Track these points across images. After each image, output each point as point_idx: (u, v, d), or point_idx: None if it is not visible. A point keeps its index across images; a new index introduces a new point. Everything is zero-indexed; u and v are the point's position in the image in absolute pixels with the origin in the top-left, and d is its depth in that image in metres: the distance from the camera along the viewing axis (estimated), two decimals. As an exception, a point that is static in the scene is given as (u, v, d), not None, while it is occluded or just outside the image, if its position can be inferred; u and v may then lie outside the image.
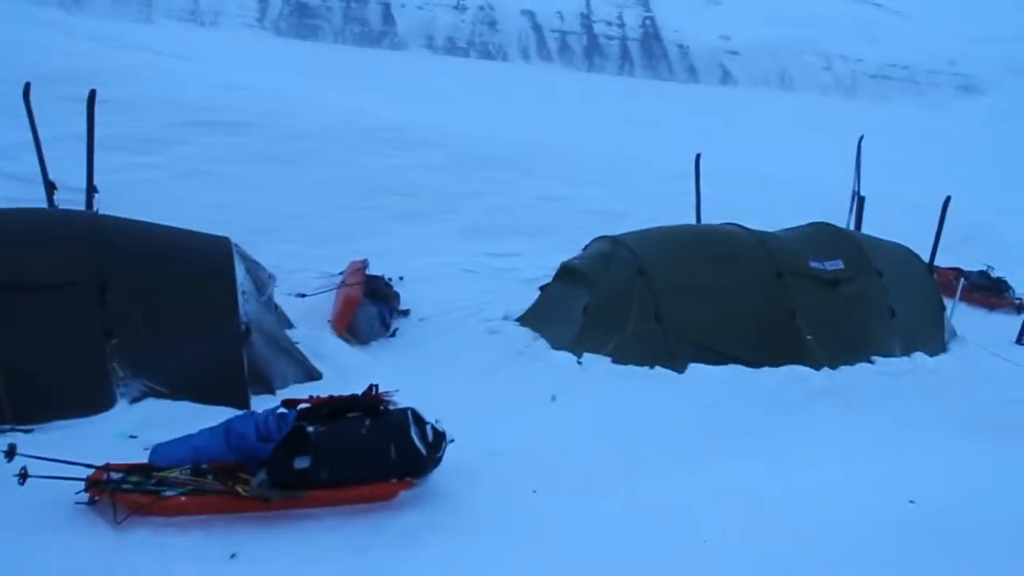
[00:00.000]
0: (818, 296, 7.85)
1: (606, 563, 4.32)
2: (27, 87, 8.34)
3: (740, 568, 4.32)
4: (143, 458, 4.81)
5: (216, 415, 5.34)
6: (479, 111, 20.09)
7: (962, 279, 11.03)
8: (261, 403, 5.75)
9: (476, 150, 13.80)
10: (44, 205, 8.28)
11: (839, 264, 8.16)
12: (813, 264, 8.04)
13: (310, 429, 4.60)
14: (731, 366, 7.24)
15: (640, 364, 7.14)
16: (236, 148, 11.77)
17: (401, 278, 9.07)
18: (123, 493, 4.40)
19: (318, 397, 5.00)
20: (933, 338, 8.61)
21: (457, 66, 54.35)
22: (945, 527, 4.74)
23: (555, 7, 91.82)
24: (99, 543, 4.21)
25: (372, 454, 4.59)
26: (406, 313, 8.43)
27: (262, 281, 6.90)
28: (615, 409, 6.41)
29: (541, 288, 8.52)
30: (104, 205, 8.29)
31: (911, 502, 5.06)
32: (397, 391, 5.04)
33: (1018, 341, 10.12)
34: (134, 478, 4.49)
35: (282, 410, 4.81)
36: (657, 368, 7.13)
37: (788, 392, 7.03)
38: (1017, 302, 12.08)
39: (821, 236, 8.49)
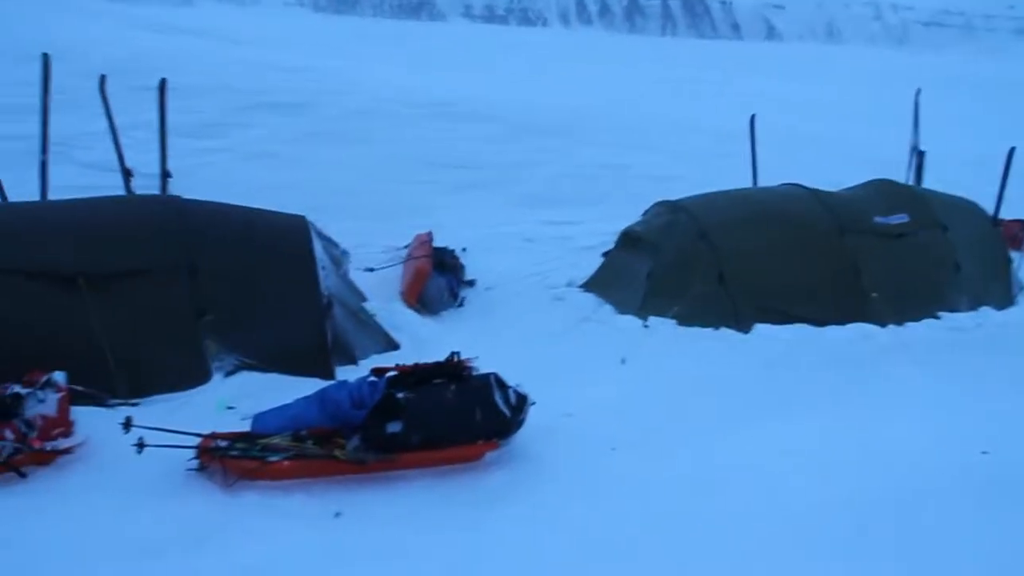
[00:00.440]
0: (882, 252, 7.87)
1: (682, 516, 4.48)
2: (102, 80, 8.69)
3: (813, 522, 4.45)
4: (241, 427, 5.15)
5: (304, 385, 5.65)
6: (526, 80, 20.15)
7: (1029, 231, 10.85)
8: (344, 373, 6.06)
9: (528, 120, 13.93)
10: (121, 191, 8.68)
11: (904, 217, 8.15)
12: (877, 219, 8.04)
13: (400, 395, 4.86)
14: (796, 325, 7.34)
15: (705, 326, 7.28)
16: (295, 129, 12.10)
17: (464, 249, 9.30)
18: (231, 459, 4.72)
19: (405, 365, 5.25)
20: (1000, 292, 8.56)
21: (498, 34, 54.06)
22: (1019, 477, 4.83)
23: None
24: (213, 506, 4.54)
25: (459, 417, 4.84)
26: (472, 283, 8.66)
27: (337, 257, 7.20)
28: (683, 370, 6.57)
29: (604, 255, 8.68)
30: (176, 189, 8.64)
31: (984, 453, 5.15)
32: (478, 357, 5.28)
33: (1087, 291, 9.97)
34: (240, 445, 4.81)
35: (372, 378, 5.07)
36: (722, 329, 7.26)
37: (854, 349, 7.11)
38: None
39: (883, 192, 8.48)
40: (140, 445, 4.65)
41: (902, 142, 11.69)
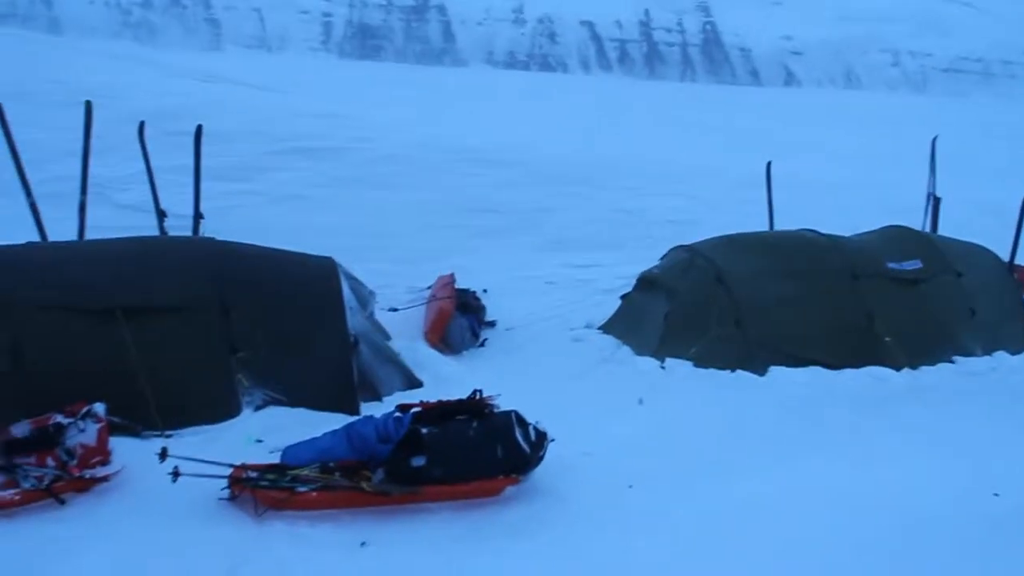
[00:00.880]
0: (896, 297, 8.00)
1: (699, 553, 4.61)
2: (141, 126, 9.08)
3: (829, 561, 4.56)
4: (270, 459, 5.35)
5: (330, 421, 5.87)
6: (549, 127, 20.57)
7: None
8: (369, 409, 6.26)
9: (551, 167, 14.28)
10: (155, 231, 9.01)
11: (917, 264, 8.29)
12: (890, 265, 8.20)
13: (424, 431, 5.05)
14: (811, 368, 7.47)
15: (722, 368, 7.43)
16: (324, 173, 12.50)
17: (485, 291, 9.52)
18: (261, 489, 4.91)
19: (429, 402, 5.45)
20: (1015, 337, 8.64)
21: (519, 80, 55.03)
22: (1031, 519, 4.91)
23: (614, 16, 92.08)
24: (243, 533, 4.71)
25: (481, 453, 5.01)
26: (493, 324, 8.88)
27: (363, 297, 7.45)
28: (700, 410, 6.71)
29: (622, 297, 8.87)
30: (208, 230, 8.96)
31: (996, 495, 5.24)
32: (499, 395, 5.47)
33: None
34: (270, 476, 5.01)
35: (398, 414, 5.26)
36: (738, 371, 7.41)
37: (869, 393, 7.22)
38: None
39: (897, 238, 8.64)
40: (175, 474, 4.85)
41: (920, 188, 11.86)
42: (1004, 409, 7.05)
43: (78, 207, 8.61)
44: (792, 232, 8.80)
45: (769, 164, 10.71)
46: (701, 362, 7.50)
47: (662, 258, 8.89)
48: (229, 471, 5.01)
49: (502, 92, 37.25)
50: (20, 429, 5.17)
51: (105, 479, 5.14)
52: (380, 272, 9.85)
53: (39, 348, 5.83)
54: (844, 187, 16.58)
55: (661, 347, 7.77)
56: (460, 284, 9.33)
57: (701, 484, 5.36)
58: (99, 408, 5.32)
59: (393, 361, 7.07)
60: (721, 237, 8.60)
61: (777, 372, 7.38)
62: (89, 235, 8.42)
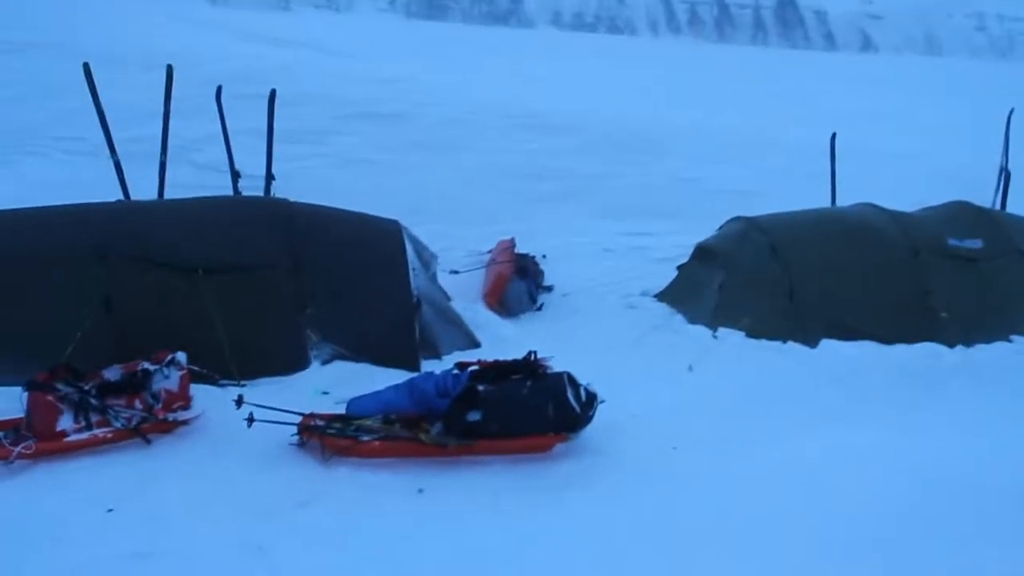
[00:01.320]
0: (955, 275, 7.97)
1: (738, 511, 4.80)
2: (219, 90, 9.47)
3: (857, 522, 4.70)
4: (336, 410, 5.73)
5: (392, 376, 6.20)
6: (612, 91, 20.50)
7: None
8: (429, 366, 6.56)
9: (612, 133, 14.34)
10: (229, 190, 9.45)
11: (978, 243, 8.22)
12: (951, 242, 8.14)
13: (480, 388, 5.34)
14: (863, 342, 7.53)
15: (773, 339, 7.55)
16: (389, 137, 12.82)
17: (544, 256, 9.74)
18: (328, 437, 5.28)
19: (486, 361, 5.74)
20: (1078, 318, 8.51)
21: (586, 43, 54.38)
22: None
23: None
24: (311, 476, 5.09)
25: (533, 411, 5.28)
26: (550, 288, 9.11)
27: (426, 259, 7.77)
28: (749, 379, 6.86)
29: (678, 267, 9.00)
30: (279, 191, 9.34)
31: (1034, 469, 5.31)
32: (553, 357, 5.73)
33: None
34: (336, 425, 5.39)
35: (456, 371, 5.57)
36: (790, 343, 7.51)
37: (920, 367, 7.28)
38: None
39: (960, 215, 8.55)
40: (250, 420, 5.25)
41: (995, 161, 11.56)
42: (1058, 389, 7.02)
43: (159, 166, 9.06)
44: (852, 207, 8.78)
45: (834, 136, 10.56)
46: (753, 332, 7.62)
47: (719, 229, 8.98)
48: (299, 419, 5.39)
49: (567, 55, 36.97)
50: (112, 373, 5.64)
51: (186, 422, 5.57)
52: (441, 235, 10.15)
53: (128, 300, 6.28)
54: (913, 159, 16.22)
55: (714, 316, 7.90)
56: (520, 249, 9.56)
57: (743, 447, 5.56)
58: (181, 357, 5.75)
59: (453, 321, 7.38)
60: (779, 212, 8.64)
61: (828, 344, 7.47)
62: (168, 193, 8.89)
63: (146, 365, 5.66)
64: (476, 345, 7.29)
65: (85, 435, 5.31)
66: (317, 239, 6.90)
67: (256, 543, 4.36)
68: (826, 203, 10.01)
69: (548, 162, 13.10)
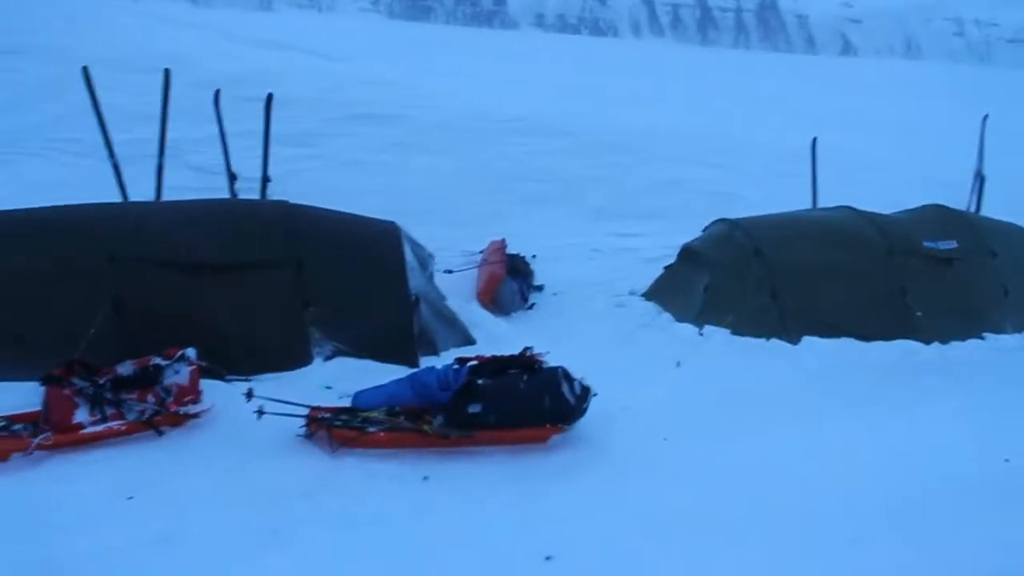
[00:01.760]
0: (930, 275, 8.31)
1: (723, 498, 5.08)
2: (217, 94, 9.65)
3: (838, 511, 4.98)
4: (339, 403, 5.97)
5: (392, 371, 6.45)
6: (597, 94, 20.82)
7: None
8: (427, 362, 6.78)
9: (598, 137, 14.66)
10: (224, 192, 9.63)
11: (953, 244, 8.57)
12: (926, 244, 8.49)
13: (480, 382, 5.61)
14: (843, 339, 7.84)
15: (757, 336, 7.84)
16: (382, 139, 13.06)
17: (534, 256, 10.00)
18: (335, 428, 5.53)
19: (484, 356, 6.01)
20: (1048, 316, 8.89)
21: (570, 44, 54.77)
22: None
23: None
24: (319, 466, 5.34)
25: (530, 403, 5.56)
26: (541, 288, 9.38)
27: (423, 259, 8.02)
28: (733, 375, 7.15)
29: (665, 268, 9.30)
30: (274, 193, 9.55)
31: (1006, 460, 5.63)
32: (548, 353, 6.01)
33: None
34: (343, 417, 5.64)
35: (456, 366, 5.84)
36: (773, 340, 7.81)
37: (897, 364, 7.58)
38: None
39: (934, 217, 8.91)
40: (260, 412, 5.49)
41: (971, 165, 11.87)
42: (1028, 383, 7.37)
43: (156, 168, 9.24)
44: (831, 209, 9.12)
45: (815, 140, 10.86)
46: (738, 330, 7.91)
47: (704, 230, 9.28)
48: (306, 412, 5.64)
49: (551, 57, 37.30)
50: (125, 368, 5.84)
51: (196, 415, 5.79)
52: (433, 236, 10.34)
53: (138, 298, 6.49)
54: (892, 163, 16.63)
55: (700, 315, 8.20)
56: (511, 249, 9.83)
57: (729, 439, 5.86)
58: (191, 352, 5.95)
59: (449, 319, 7.64)
60: (763, 215, 8.97)
61: (810, 341, 7.78)
62: (165, 195, 9.07)
63: (157, 360, 5.87)
64: (471, 342, 7.55)
65: (100, 427, 5.52)
66: (318, 239, 7.13)
67: (271, 527, 4.61)
68: (807, 205, 10.34)
69: (536, 164, 13.40)
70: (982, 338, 8.29)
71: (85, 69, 8.67)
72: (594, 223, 11.93)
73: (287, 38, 22.14)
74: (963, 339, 8.19)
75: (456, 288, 8.83)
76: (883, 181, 14.26)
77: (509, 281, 8.81)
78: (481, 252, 9.94)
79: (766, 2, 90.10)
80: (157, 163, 9.19)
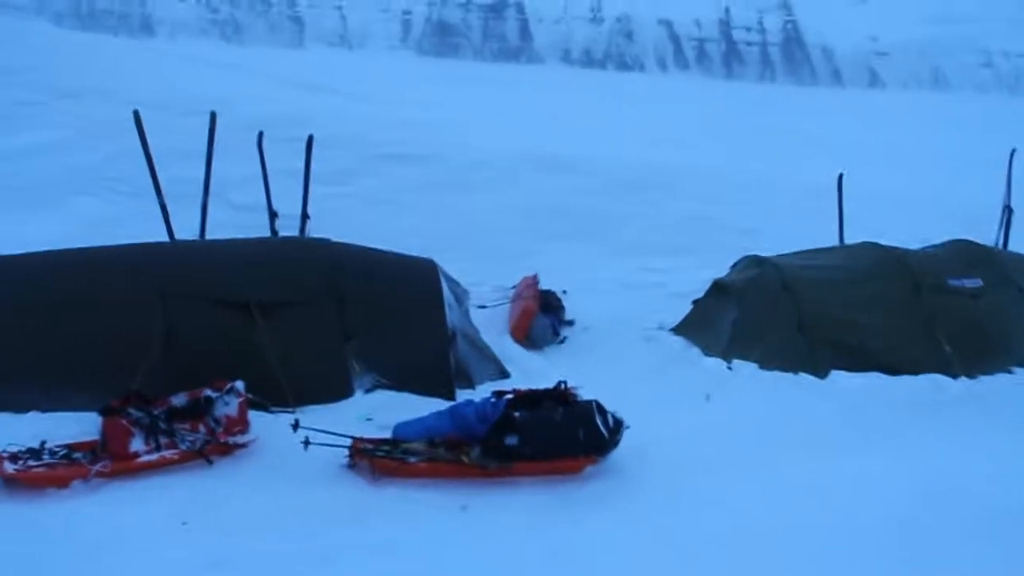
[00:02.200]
0: (957, 310, 8.41)
1: (754, 527, 5.24)
2: (260, 136, 10.07)
3: (869, 539, 5.11)
4: (379, 435, 6.20)
5: (430, 404, 6.68)
6: (625, 131, 21.20)
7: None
8: (463, 395, 7.04)
9: (627, 174, 14.97)
10: (265, 229, 9.99)
11: (978, 282, 8.68)
12: (952, 282, 8.60)
13: (516, 414, 5.83)
14: (871, 373, 7.96)
15: (785, 370, 7.98)
16: (414, 178, 13.47)
17: (565, 291, 10.22)
18: (377, 458, 5.77)
19: (520, 390, 6.23)
20: (1076, 350, 8.92)
21: (596, 80, 55.42)
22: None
23: (692, 15, 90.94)
24: (362, 494, 5.56)
25: (565, 435, 5.76)
26: (572, 323, 9.58)
27: (459, 295, 8.29)
28: (762, 408, 7.30)
29: (694, 302, 9.48)
30: (313, 230, 9.89)
31: (1034, 494, 5.72)
32: (582, 386, 6.22)
33: None
34: (385, 448, 5.87)
35: (494, 399, 6.06)
36: (801, 374, 7.94)
37: (925, 397, 7.66)
38: None
39: (960, 253, 9.02)
40: (306, 442, 5.74)
41: (999, 197, 11.88)
42: (1057, 418, 7.42)
43: (201, 207, 9.62)
44: (858, 246, 9.27)
45: (841, 176, 10.99)
46: (766, 364, 8.06)
47: (733, 266, 9.46)
48: (350, 442, 5.88)
49: (579, 92, 37.88)
50: (178, 399, 6.16)
51: (245, 445, 6.07)
52: (466, 271, 10.62)
53: (187, 332, 6.81)
54: (919, 197, 16.70)
55: (729, 349, 8.36)
56: (542, 285, 10.06)
57: (759, 471, 6.01)
58: (239, 385, 6.25)
59: (485, 353, 7.89)
60: (790, 253, 9.15)
61: (838, 375, 7.90)
62: (208, 232, 9.44)
63: (208, 392, 6.17)
64: (506, 375, 7.77)
65: (155, 456, 5.82)
66: (359, 276, 7.43)
67: (319, 553, 4.84)
68: (832, 240, 10.49)
69: (566, 201, 13.69)
70: (1010, 372, 8.37)
71: (136, 113, 9.10)
72: (623, 259, 12.16)
73: (321, 79, 22.80)
74: (991, 373, 8.27)
75: (489, 323, 9.07)
76: (910, 215, 14.36)
77: (541, 316, 9.03)
78: (513, 288, 10.18)
79: (791, 35, 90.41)
80: (202, 201, 9.55)
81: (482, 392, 6.90)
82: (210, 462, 5.90)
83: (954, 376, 8.02)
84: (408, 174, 13.82)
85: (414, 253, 8.23)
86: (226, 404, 6.15)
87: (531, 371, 7.87)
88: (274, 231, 9.89)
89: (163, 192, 9.07)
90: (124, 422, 5.83)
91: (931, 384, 7.93)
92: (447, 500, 5.49)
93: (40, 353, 6.67)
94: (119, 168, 12.78)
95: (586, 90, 39.63)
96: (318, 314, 7.17)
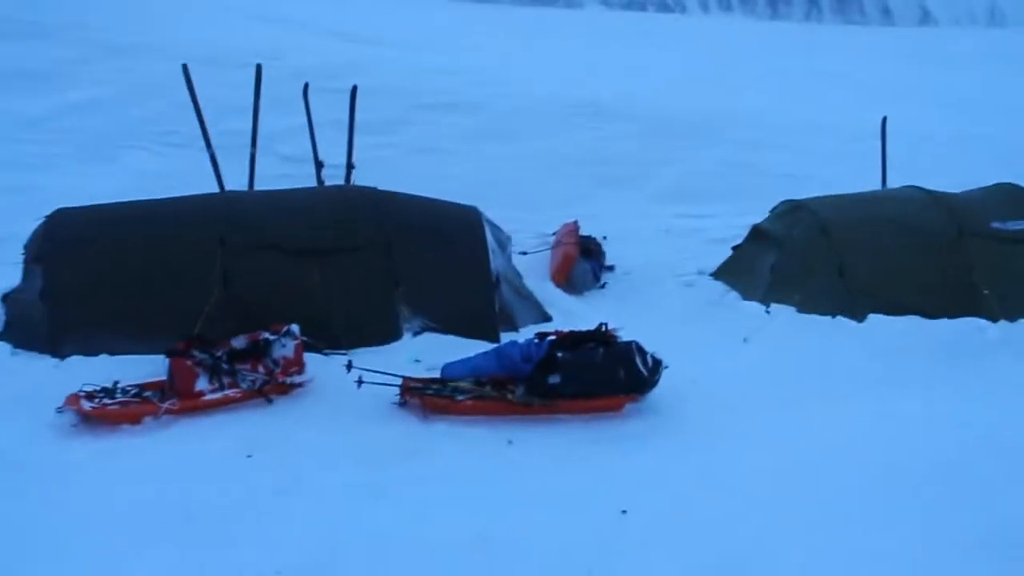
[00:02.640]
0: (998, 254, 8.36)
1: (787, 464, 5.43)
2: (306, 87, 10.29)
3: (903, 475, 5.28)
4: (428, 375, 6.51)
5: (475, 346, 6.96)
6: (666, 76, 21.00)
7: None
8: (507, 337, 7.26)
9: (667, 120, 14.94)
10: (311, 179, 10.27)
11: (1021, 223, 8.61)
12: (994, 224, 8.55)
13: (559, 355, 6.08)
14: (908, 317, 8.01)
15: (823, 314, 8.05)
16: (456, 126, 13.63)
17: (605, 237, 10.36)
18: (427, 397, 6.08)
19: (562, 331, 6.47)
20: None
21: (637, 23, 54.33)
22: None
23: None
24: (414, 430, 5.89)
25: (606, 375, 6.01)
26: (612, 268, 9.75)
27: (502, 241, 8.51)
28: (800, 350, 7.41)
29: (733, 248, 9.57)
30: (358, 179, 10.14)
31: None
32: (622, 328, 6.43)
33: None
34: (434, 386, 6.19)
35: (537, 340, 6.32)
36: (839, 317, 8.02)
37: (963, 341, 7.67)
38: None
39: (1004, 196, 8.93)
40: (360, 381, 6.08)
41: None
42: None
43: (249, 158, 9.90)
44: (899, 190, 9.24)
45: (884, 120, 10.87)
46: (804, 308, 8.15)
47: (772, 211, 9.50)
48: (400, 382, 6.20)
49: (620, 37, 37.26)
50: (238, 342, 6.53)
51: (301, 385, 6.42)
52: (508, 219, 10.78)
53: (244, 278, 7.16)
54: (967, 138, 16.40)
55: (767, 293, 8.46)
56: (583, 231, 10.23)
57: (794, 411, 6.20)
58: (295, 328, 6.59)
59: (527, 298, 8.13)
60: (828, 196, 9.16)
61: (875, 319, 7.95)
62: (256, 183, 9.73)
63: (266, 335, 6.53)
64: (548, 319, 8.00)
65: (218, 395, 6.20)
66: (406, 223, 7.68)
67: (375, 483, 5.17)
68: (876, 185, 10.44)
69: (607, 148, 13.76)
70: (1051, 316, 8.33)
71: (185, 67, 9.37)
72: (663, 205, 12.24)
73: (362, 28, 22.83)
74: (1031, 316, 8.25)
75: (531, 268, 9.27)
76: (956, 158, 14.17)
77: (582, 261, 9.21)
78: (554, 234, 10.35)
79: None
80: (250, 153, 9.85)
81: (525, 335, 7.14)
82: (270, 401, 6.26)
83: (993, 320, 8.03)
84: (451, 123, 14.00)
85: (457, 200, 8.45)
86: (283, 346, 6.49)
87: (572, 314, 8.08)
88: (320, 181, 10.18)
89: (212, 145, 9.41)
90: (189, 363, 6.21)
91: (969, 327, 7.93)
92: (494, 435, 5.79)
93: (108, 300, 7.06)
94: (168, 122, 13.17)
95: (626, 34, 38.91)
96: (368, 260, 7.44)
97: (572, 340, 6.27)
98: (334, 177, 10.27)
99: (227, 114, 11.63)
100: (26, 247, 7.58)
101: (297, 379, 6.46)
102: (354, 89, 10.07)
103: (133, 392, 6.22)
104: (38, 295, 7.11)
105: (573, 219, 10.51)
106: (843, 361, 7.24)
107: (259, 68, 9.83)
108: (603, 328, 6.40)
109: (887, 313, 8.02)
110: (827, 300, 8.14)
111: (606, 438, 5.79)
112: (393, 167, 11.83)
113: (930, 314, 8.01)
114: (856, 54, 38.04)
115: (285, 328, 6.57)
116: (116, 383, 6.24)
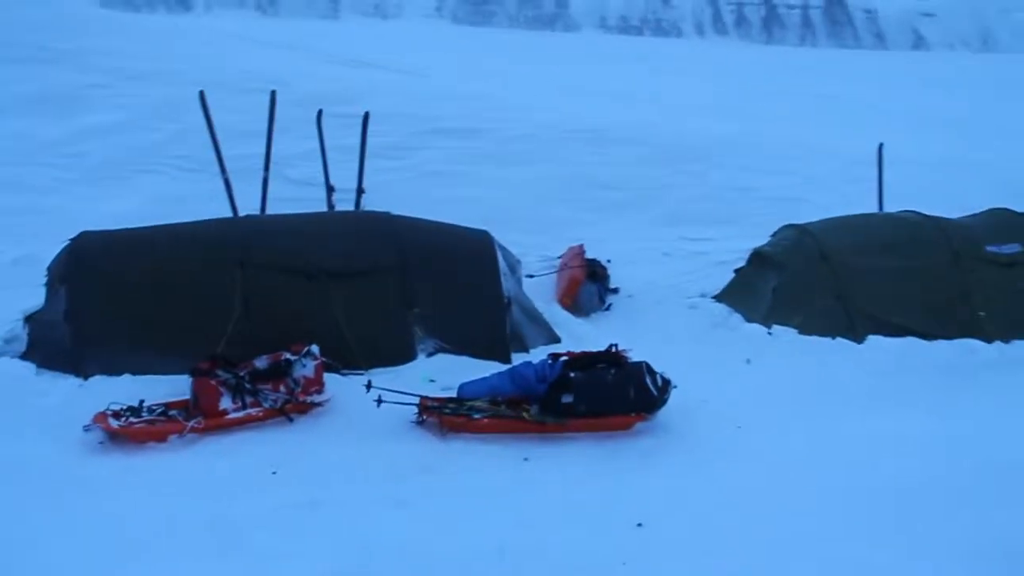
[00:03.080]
0: (993, 277, 8.62)
1: (792, 481, 5.66)
2: (319, 113, 10.56)
3: (900, 496, 5.43)
4: (443, 395, 6.71)
5: (487, 367, 7.19)
6: (664, 100, 21.37)
7: None
8: (518, 359, 7.48)
9: (669, 146, 15.26)
10: (322, 203, 10.51)
11: (1016, 247, 8.88)
12: (989, 248, 8.82)
13: (572, 375, 6.31)
14: (907, 338, 8.26)
15: (823, 335, 8.31)
16: (464, 151, 13.93)
17: (610, 260, 10.58)
18: (444, 415, 6.29)
19: (574, 352, 6.70)
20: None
21: (633, 47, 55.03)
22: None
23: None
24: (432, 447, 6.09)
25: (617, 394, 6.23)
26: (616, 290, 9.95)
27: (512, 264, 8.75)
28: (801, 371, 7.64)
29: (736, 271, 9.81)
30: (368, 203, 10.39)
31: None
32: (632, 349, 6.66)
33: None
34: (451, 405, 6.39)
35: (550, 361, 6.54)
36: (839, 339, 8.27)
37: (960, 362, 7.93)
38: None
39: (998, 221, 9.20)
40: (379, 400, 6.29)
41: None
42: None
43: (262, 182, 10.15)
44: (896, 214, 9.51)
45: (881, 146, 11.14)
46: (805, 330, 8.39)
47: (773, 235, 9.74)
48: (418, 401, 6.41)
49: (616, 61, 37.83)
50: (261, 362, 6.73)
51: (321, 404, 6.63)
52: (514, 242, 11.03)
53: (264, 299, 7.38)
54: (960, 163, 16.71)
55: (769, 315, 8.70)
56: (588, 254, 10.46)
57: (798, 430, 6.42)
58: (315, 349, 6.78)
59: (537, 320, 8.35)
60: (829, 219, 9.43)
61: (875, 340, 8.20)
62: (268, 208, 9.94)
63: (288, 355, 6.73)
64: (557, 340, 8.21)
65: (241, 413, 6.41)
66: (420, 247, 7.91)
67: (397, 497, 5.38)
68: (873, 208, 10.71)
69: (609, 174, 14.04)
70: (1046, 338, 8.58)
71: (202, 93, 9.64)
72: (666, 228, 12.52)
73: (363, 53, 23.24)
74: (1026, 338, 8.51)
75: (538, 291, 9.48)
76: (951, 182, 14.45)
77: (588, 284, 9.44)
78: (560, 257, 10.58)
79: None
80: (263, 177, 10.11)
81: (536, 356, 7.37)
82: (291, 419, 6.47)
83: (988, 341, 8.28)
84: (455, 148, 14.30)
85: (465, 224, 8.68)
86: (303, 366, 6.69)
87: (580, 336, 8.30)
88: (331, 205, 10.42)
89: (227, 169, 9.65)
90: (213, 383, 6.41)
91: (965, 349, 8.18)
92: (510, 452, 6.00)
93: (131, 321, 7.28)
94: (181, 147, 13.45)
95: (623, 59, 39.47)
96: (383, 283, 7.67)
97: (584, 361, 6.50)
98: (344, 201, 10.49)
99: (234, 138, 11.86)
100: (50, 269, 7.80)
101: (317, 398, 6.66)
102: (366, 115, 10.35)
103: (159, 411, 6.41)
104: (62, 316, 7.32)
105: (579, 242, 10.74)
106: (844, 381, 7.48)
107: (273, 94, 10.14)
108: (614, 349, 6.62)
109: (886, 334, 8.29)
110: (827, 322, 8.38)
111: (618, 455, 6.00)
112: (400, 191, 12.08)
113: (928, 335, 8.28)
114: (851, 79, 38.58)
115: (305, 348, 6.77)
116: (142, 402, 6.43)
